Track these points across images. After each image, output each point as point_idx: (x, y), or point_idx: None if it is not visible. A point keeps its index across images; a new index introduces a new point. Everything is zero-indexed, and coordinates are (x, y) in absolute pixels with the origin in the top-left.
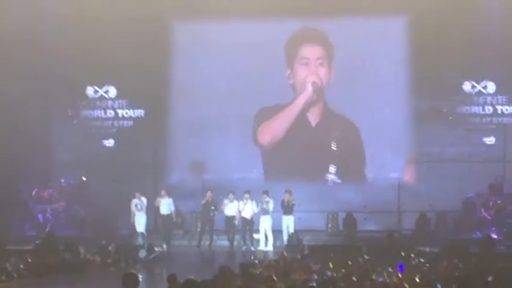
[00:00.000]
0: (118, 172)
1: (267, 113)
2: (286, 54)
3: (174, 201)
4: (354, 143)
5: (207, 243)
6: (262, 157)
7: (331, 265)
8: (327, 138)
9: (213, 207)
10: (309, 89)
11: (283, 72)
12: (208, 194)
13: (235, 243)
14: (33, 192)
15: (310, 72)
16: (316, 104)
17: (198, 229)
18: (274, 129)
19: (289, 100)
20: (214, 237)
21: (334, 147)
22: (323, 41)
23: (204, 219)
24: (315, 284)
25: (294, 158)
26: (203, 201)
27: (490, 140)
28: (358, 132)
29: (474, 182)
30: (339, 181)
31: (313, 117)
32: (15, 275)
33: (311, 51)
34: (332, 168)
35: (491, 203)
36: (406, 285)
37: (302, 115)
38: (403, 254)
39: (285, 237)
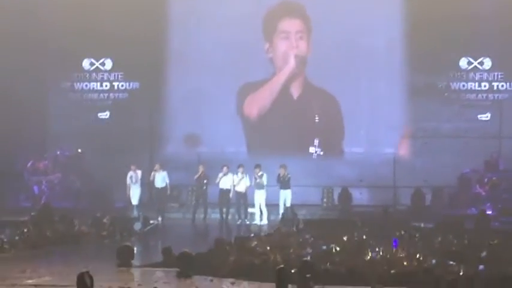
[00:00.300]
0: (113, 144)
1: (251, 88)
2: (264, 28)
3: (169, 174)
4: (334, 116)
5: (202, 216)
6: (247, 131)
7: (325, 239)
8: (309, 111)
9: (205, 181)
10: (292, 62)
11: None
12: (200, 168)
13: (229, 217)
14: (29, 164)
15: (291, 45)
16: (297, 77)
17: (193, 203)
18: (261, 101)
19: (268, 75)
20: (209, 210)
21: (316, 120)
22: (301, 15)
23: (197, 193)
24: (309, 258)
25: (280, 131)
26: (196, 176)
27: (485, 116)
28: (338, 106)
29: (470, 158)
30: (321, 153)
31: (295, 90)
32: (9, 246)
33: (291, 25)
34: (315, 141)
35: (486, 179)
36: (400, 260)
37: (285, 88)
38: (398, 231)
39: (282, 212)
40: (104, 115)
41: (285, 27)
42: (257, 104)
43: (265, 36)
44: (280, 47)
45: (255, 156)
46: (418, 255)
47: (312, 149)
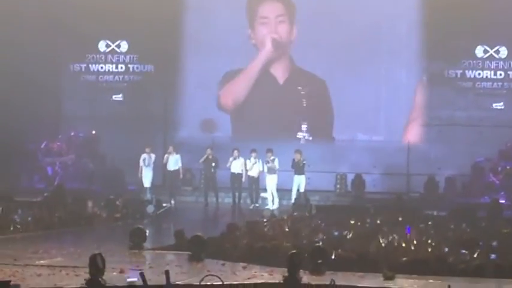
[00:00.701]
0: (128, 127)
1: (230, 77)
2: (247, 14)
3: (184, 157)
4: (321, 99)
5: (214, 200)
6: (233, 118)
7: (338, 225)
8: (296, 95)
9: (213, 164)
10: (268, 45)
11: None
12: (208, 151)
13: (241, 201)
14: (43, 145)
15: (269, 30)
16: (279, 61)
17: (202, 186)
18: (236, 91)
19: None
20: (222, 194)
21: (304, 103)
22: None
23: (206, 177)
24: (321, 243)
25: (267, 118)
26: (201, 159)
27: (500, 105)
28: (327, 90)
29: (484, 146)
30: (310, 138)
31: (280, 75)
32: (21, 227)
33: (270, 10)
34: (303, 127)
35: (500, 168)
36: (413, 248)
37: (267, 73)
38: (411, 218)
39: (294, 197)
40: (119, 97)
41: (265, 13)
42: (232, 94)
43: (248, 22)
44: (260, 32)
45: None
46: (430, 243)
47: (299, 134)
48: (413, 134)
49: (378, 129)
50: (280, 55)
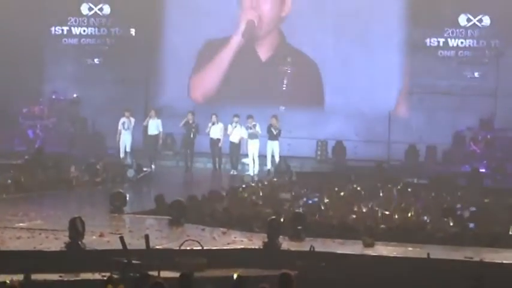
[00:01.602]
0: (109, 90)
1: (212, 49)
2: None
3: (165, 122)
4: (311, 77)
5: (195, 164)
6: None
7: (318, 192)
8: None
9: (193, 130)
10: (242, 29)
11: None
12: (189, 115)
13: (222, 167)
14: (24, 109)
15: (248, 6)
16: (266, 37)
17: (182, 151)
18: (205, 85)
19: None
20: (204, 159)
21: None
22: None
23: (185, 141)
24: (301, 210)
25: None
26: (181, 123)
27: (482, 74)
28: (316, 67)
29: (465, 115)
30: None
31: (263, 51)
32: (1, 189)
33: None
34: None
35: (480, 137)
36: (392, 215)
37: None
38: (391, 186)
39: (269, 163)
40: (101, 61)
41: None
42: (202, 88)
43: None
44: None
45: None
46: (410, 211)
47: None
48: (395, 102)
49: (360, 97)
50: (267, 32)
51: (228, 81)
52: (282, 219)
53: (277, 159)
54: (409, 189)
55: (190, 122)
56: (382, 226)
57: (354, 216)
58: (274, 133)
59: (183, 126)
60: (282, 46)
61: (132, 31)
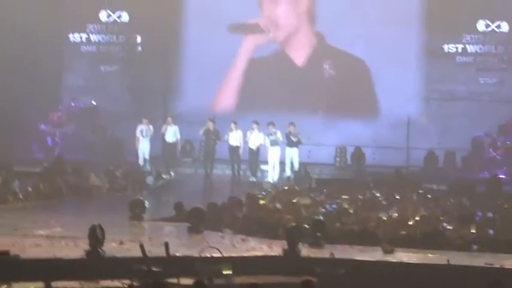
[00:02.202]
0: (128, 97)
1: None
2: None
3: (183, 128)
4: (357, 78)
5: (214, 171)
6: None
7: (338, 199)
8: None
9: (213, 137)
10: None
11: None
12: (210, 123)
13: (241, 173)
14: (43, 115)
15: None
16: (299, 41)
17: (202, 158)
18: (221, 99)
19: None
20: (224, 166)
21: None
22: None
23: (205, 149)
24: (321, 217)
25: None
26: (201, 131)
27: (500, 80)
28: (364, 67)
29: (484, 121)
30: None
31: (298, 57)
32: (21, 197)
33: None
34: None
35: (499, 143)
36: (412, 222)
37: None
38: (410, 192)
39: (288, 170)
40: (119, 68)
41: None
42: (219, 101)
43: None
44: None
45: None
46: (429, 217)
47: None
48: (413, 108)
49: (378, 103)
50: (293, 34)
51: (257, 88)
52: (303, 226)
53: (296, 166)
54: (429, 196)
55: (211, 129)
56: (402, 232)
57: (373, 222)
58: (294, 140)
59: (203, 133)
60: (321, 48)
61: (151, 38)
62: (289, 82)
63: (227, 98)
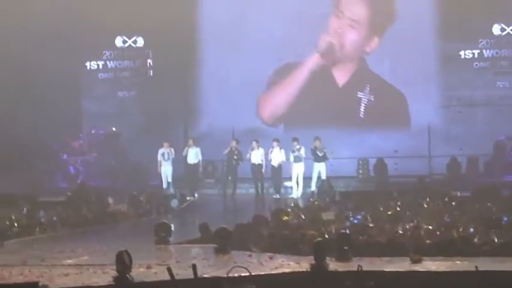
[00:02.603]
0: (148, 122)
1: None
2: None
3: (204, 149)
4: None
5: (236, 191)
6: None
7: (362, 211)
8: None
9: (236, 157)
10: (321, 47)
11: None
12: (233, 143)
13: (264, 191)
14: (64, 144)
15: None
16: (346, 64)
17: (223, 178)
18: (275, 104)
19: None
20: (247, 185)
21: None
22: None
23: (227, 168)
24: (347, 230)
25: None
26: (226, 151)
27: None
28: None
29: (504, 125)
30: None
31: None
32: (47, 227)
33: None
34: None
35: None
36: (438, 230)
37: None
38: (434, 200)
39: (314, 185)
40: (137, 93)
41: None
42: (271, 106)
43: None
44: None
45: (288, 131)
46: (455, 224)
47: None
48: (433, 115)
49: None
50: (346, 59)
51: (298, 104)
52: (329, 240)
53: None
54: (453, 203)
55: (234, 149)
56: (428, 241)
57: (400, 232)
58: (320, 155)
59: (227, 154)
60: (363, 72)
61: (167, 61)
62: (328, 99)
63: (276, 109)
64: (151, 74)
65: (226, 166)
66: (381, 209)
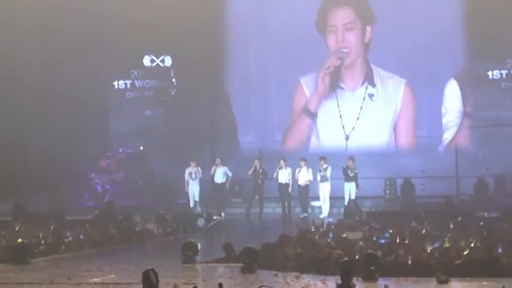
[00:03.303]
0: (175, 141)
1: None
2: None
3: (232, 169)
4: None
5: (258, 211)
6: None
7: (390, 231)
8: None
9: (261, 176)
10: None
11: None
12: (256, 162)
13: (292, 211)
14: (92, 163)
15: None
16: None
17: (249, 198)
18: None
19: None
20: (274, 204)
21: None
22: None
23: (253, 188)
24: (373, 251)
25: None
26: (250, 171)
27: None
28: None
29: None
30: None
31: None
32: (74, 245)
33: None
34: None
35: None
36: (466, 250)
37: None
38: (462, 221)
39: (346, 204)
40: (164, 112)
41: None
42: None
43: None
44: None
45: (316, 150)
46: (483, 245)
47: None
48: (461, 136)
49: (426, 132)
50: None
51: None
52: (355, 260)
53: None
54: (481, 223)
55: (258, 168)
56: (456, 262)
57: (426, 253)
58: (351, 175)
59: (252, 173)
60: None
61: (194, 80)
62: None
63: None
64: (179, 92)
65: (253, 186)
66: (408, 229)
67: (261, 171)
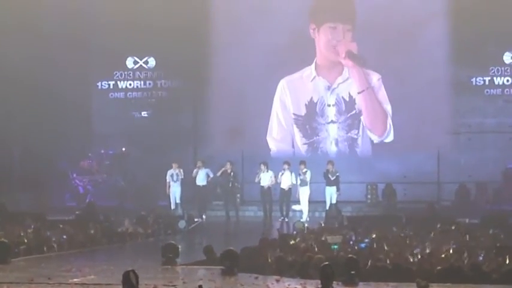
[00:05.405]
0: (157, 143)
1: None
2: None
3: (215, 172)
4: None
5: (245, 213)
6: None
7: (371, 236)
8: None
9: (232, 179)
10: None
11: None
12: (228, 165)
13: (273, 214)
14: (73, 164)
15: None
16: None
17: (238, 200)
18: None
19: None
20: (255, 208)
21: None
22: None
23: (224, 190)
24: (354, 255)
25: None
26: (219, 173)
27: None
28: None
29: None
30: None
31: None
32: (55, 245)
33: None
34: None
35: None
36: (446, 256)
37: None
38: (439, 225)
39: (327, 208)
40: (147, 113)
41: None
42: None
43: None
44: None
45: (298, 154)
46: (463, 251)
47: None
48: (443, 142)
49: (408, 138)
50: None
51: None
52: (336, 264)
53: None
54: (461, 229)
55: (229, 171)
56: (437, 267)
57: (407, 258)
58: (332, 179)
59: (220, 175)
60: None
61: (178, 82)
62: None
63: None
64: (162, 95)
65: (221, 189)
66: (389, 234)
67: (232, 174)
